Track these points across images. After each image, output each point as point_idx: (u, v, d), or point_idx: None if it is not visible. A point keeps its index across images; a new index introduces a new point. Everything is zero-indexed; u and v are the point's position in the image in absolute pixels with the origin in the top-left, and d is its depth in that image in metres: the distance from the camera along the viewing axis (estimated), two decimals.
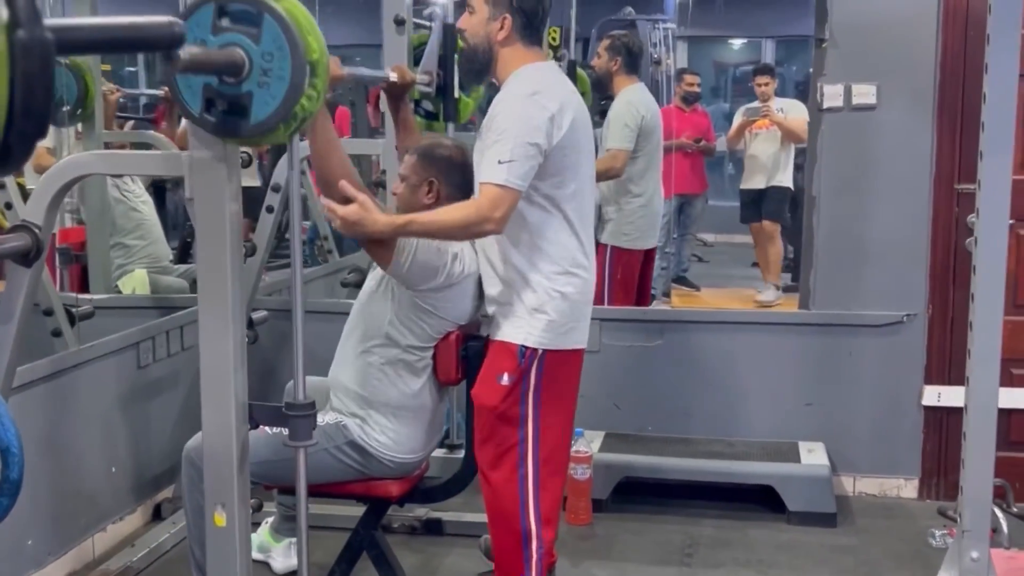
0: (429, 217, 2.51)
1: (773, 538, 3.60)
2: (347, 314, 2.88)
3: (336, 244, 5.21)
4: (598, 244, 4.20)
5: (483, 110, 2.85)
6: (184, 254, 4.80)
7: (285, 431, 2.19)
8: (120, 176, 4.37)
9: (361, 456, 2.69)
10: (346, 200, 2.42)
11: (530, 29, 2.68)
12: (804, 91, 8.40)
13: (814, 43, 3.92)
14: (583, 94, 2.86)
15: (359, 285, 3.57)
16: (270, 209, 3.30)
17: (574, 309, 2.66)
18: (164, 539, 3.47)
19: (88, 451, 3.39)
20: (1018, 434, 3.86)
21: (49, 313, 3.50)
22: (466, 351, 2.74)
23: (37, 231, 2.15)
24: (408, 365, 2.70)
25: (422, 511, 3.58)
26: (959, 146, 3.82)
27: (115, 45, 1.33)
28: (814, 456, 3.82)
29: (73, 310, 3.59)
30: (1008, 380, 3.49)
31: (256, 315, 3.51)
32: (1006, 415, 3.54)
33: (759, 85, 6.36)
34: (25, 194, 3.52)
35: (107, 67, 5.52)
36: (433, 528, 3.57)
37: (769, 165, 6.38)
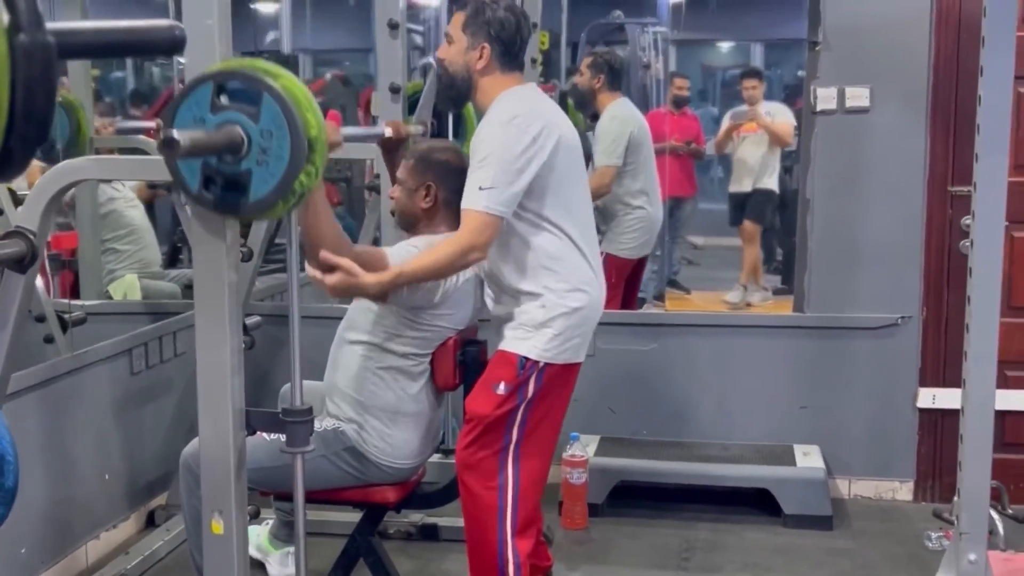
0: (415, 265, 2.53)
1: (769, 541, 3.60)
2: (340, 319, 2.87)
3: None
4: None
5: None
6: (174, 258, 4.77)
7: (282, 437, 2.18)
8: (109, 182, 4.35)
9: (359, 462, 2.68)
10: (331, 267, 2.42)
11: (509, 57, 2.70)
12: (791, 94, 8.46)
13: (807, 46, 3.92)
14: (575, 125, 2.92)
15: None
16: None
17: (583, 323, 2.67)
18: (158, 546, 3.44)
19: (81, 458, 3.36)
20: (1013, 436, 3.87)
21: (41, 319, 3.47)
22: (463, 356, 2.74)
23: (32, 237, 2.13)
24: (405, 370, 2.69)
25: (418, 517, 3.57)
26: (952, 148, 3.82)
27: (116, 49, 1.31)
28: (809, 459, 3.82)
29: (65, 316, 3.57)
30: (1003, 382, 3.49)
31: (250, 320, 3.49)
32: (1001, 417, 3.53)
33: (747, 88, 6.38)
34: (16, 200, 3.50)
35: (96, 72, 5.50)
36: (429, 534, 3.56)
37: (756, 168, 6.41)
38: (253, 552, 3.13)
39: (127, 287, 4.46)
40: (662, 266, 6.38)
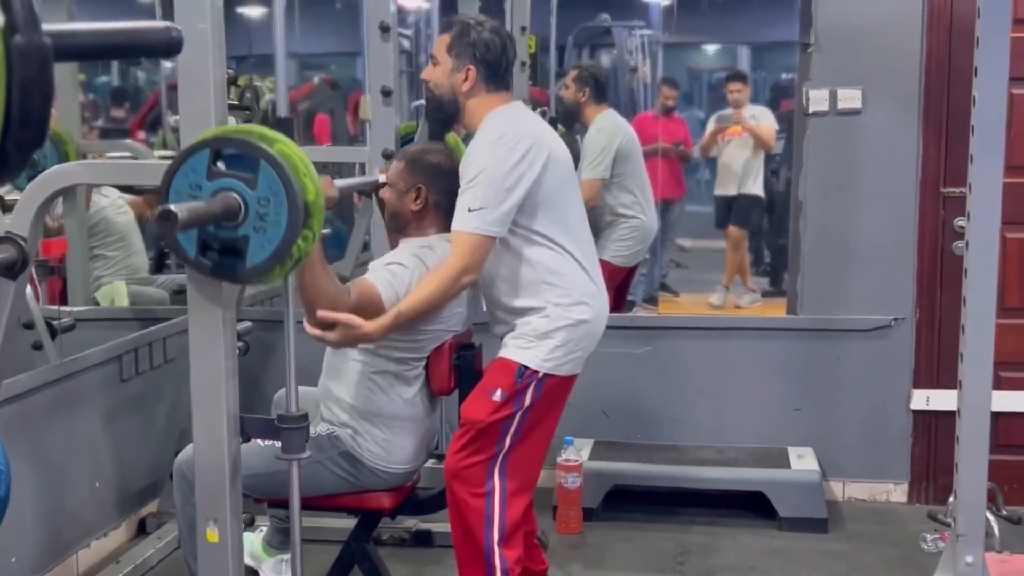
0: (413, 301, 2.52)
1: (765, 544, 3.59)
2: None
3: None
4: None
5: None
6: (160, 264, 4.74)
7: (277, 444, 2.16)
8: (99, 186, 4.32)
9: (354, 467, 2.66)
10: (329, 323, 2.41)
11: (495, 78, 2.70)
12: (777, 97, 8.47)
13: (799, 47, 3.92)
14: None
15: None
16: None
17: (586, 337, 2.66)
18: (149, 555, 3.41)
19: (71, 466, 3.33)
20: (1006, 437, 3.86)
21: (29, 326, 3.44)
22: (458, 360, 2.72)
23: (22, 243, 2.10)
24: (400, 375, 2.67)
25: (411, 522, 3.55)
26: (944, 150, 3.82)
27: (112, 51, 1.29)
28: (804, 461, 3.81)
29: (55, 323, 3.54)
30: (996, 383, 3.48)
31: (241, 326, 3.45)
32: (995, 418, 3.52)
33: (731, 92, 6.39)
34: (4, 206, 3.46)
35: (82, 77, 5.46)
36: (423, 539, 3.54)
37: (740, 172, 6.43)
38: (247, 560, 3.10)
39: (115, 294, 4.43)
40: (651, 269, 6.37)
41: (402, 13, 6.66)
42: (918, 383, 3.92)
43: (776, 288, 6.91)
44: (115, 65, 7.07)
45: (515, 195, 2.54)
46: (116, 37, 1.19)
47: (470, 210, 2.52)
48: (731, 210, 6.50)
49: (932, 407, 3.91)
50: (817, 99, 3.84)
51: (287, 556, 3.11)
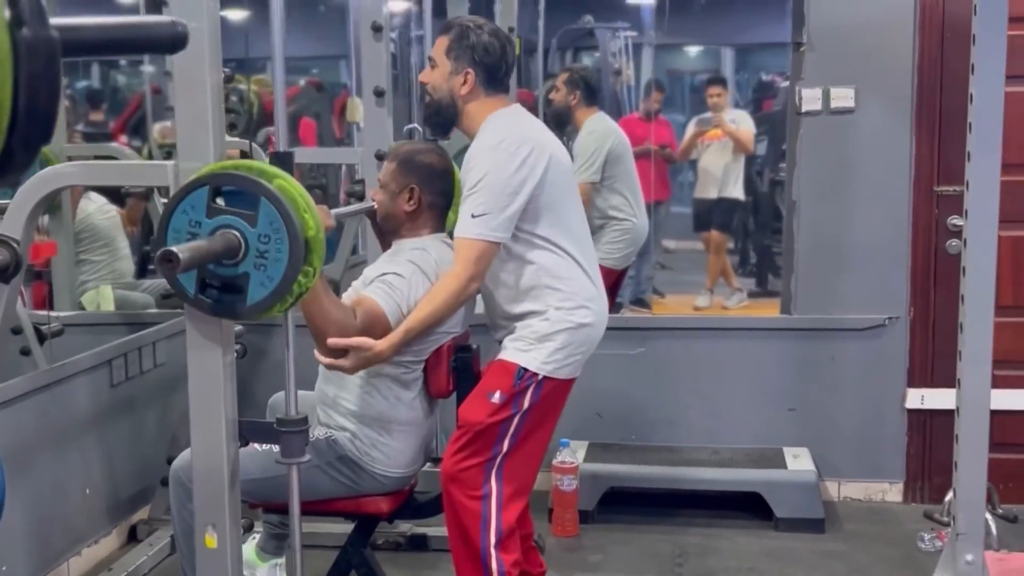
0: (421, 315, 2.51)
1: (762, 545, 3.57)
2: None
3: None
4: None
5: None
6: (143, 268, 4.70)
7: (275, 448, 2.13)
8: (87, 189, 4.28)
9: (352, 471, 2.63)
10: (339, 351, 2.41)
11: (494, 82, 2.68)
12: (760, 98, 8.49)
13: (792, 47, 3.91)
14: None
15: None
16: None
17: (586, 341, 2.65)
18: (142, 562, 3.36)
19: (62, 473, 3.29)
20: (1001, 435, 3.84)
21: (17, 331, 3.39)
22: (456, 363, 2.69)
23: (16, 245, 2.07)
24: (398, 378, 2.64)
25: (406, 527, 3.52)
26: (937, 148, 3.82)
27: (118, 46, 1.26)
28: (800, 462, 3.80)
29: (43, 328, 3.49)
30: (992, 382, 3.49)
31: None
32: (990, 416, 3.54)
33: (711, 96, 6.39)
34: None
35: (64, 81, 5.41)
36: (418, 544, 3.51)
37: (720, 176, 6.44)
38: None
39: (101, 298, 4.38)
40: (639, 271, 6.37)
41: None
42: (912, 382, 3.92)
43: (762, 289, 6.94)
44: (95, 68, 7.02)
45: (518, 200, 2.53)
46: (121, 32, 1.17)
47: (473, 216, 2.50)
48: (712, 214, 6.52)
49: (927, 406, 3.90)
50: (810, 98, 3.83)
51: (281, 560, 3.08)
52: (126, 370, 3.59)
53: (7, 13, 0.93)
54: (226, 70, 2.07)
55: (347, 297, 2.65)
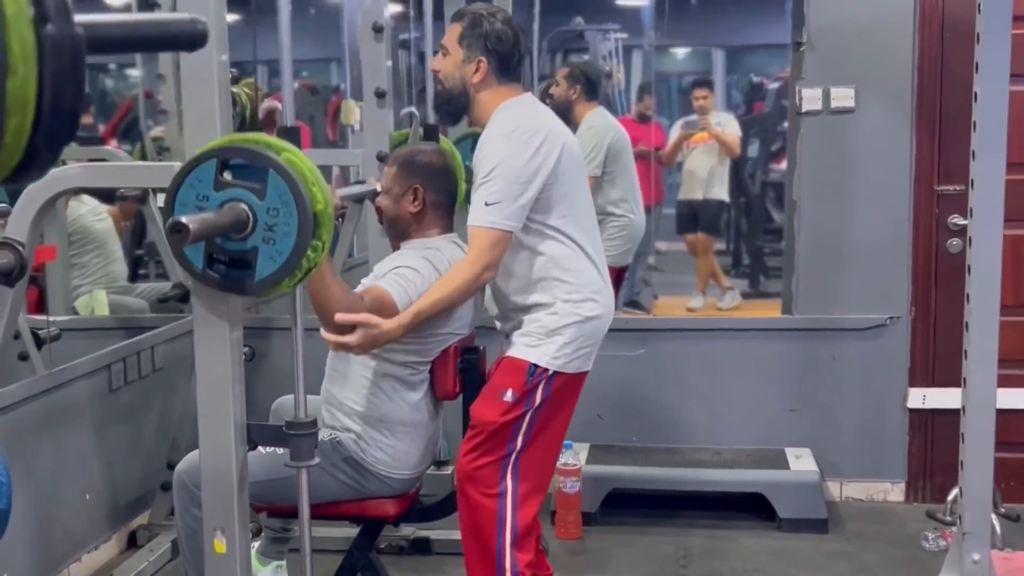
0: (432, 298, 2.47)
1: (766, 546, 3.56)
2: None
3: None
4: None
5: None
6: (135, 272, 4.66)
7: (279, 451, 2.10)
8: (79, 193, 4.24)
9: (358, 473, 2.61)
10: (348, 327, 2.34)
11: (506, 70, 2.65)
12: (750, 99, 8.49)
13: (792, 47, 3.91)
14: None
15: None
16: None
17: (594, 333, 2.62)
18: (143, 567, 3.34)
19: (61, 478, 3.26)
20: (1003, 434, 3.83)
21: (15, 336, 3.36)
22: (462, 364, 2.68)
23: (20, 248, 2.05)
24: (405, 380, 2.63)
25: (409, 530, 3.50)
26: (938, 147, 3.82)
27: (141, 43, 1.24)
28: (802, 462, 3.79)
29: (41, 333, 3.46)
30: None
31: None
32: None
33: (697, 99, 6.37)
34: None
35: None
36: (421, 547, 3.49)
37: (705, 178, 6.45)
38: None
39: (95, 303, 4.35)
40: (632, 273, 6.36)
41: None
42: (914, 381, 3.91)
43: (755, 290, 6.94)
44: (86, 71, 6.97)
45: (532, 189, 2.50)
46: (143, 29, 1.15)
47: (487, 204, 2.47)
48: (698, 217, 6.52)
49: (928, 405, 3.90)
50: (810, 98, 3.83)
51: (282, 563, 3.06)
52: (125, 374, 3.57)
53: (31, 10, 0.91)
54: (233, 71, 2.05)
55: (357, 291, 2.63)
